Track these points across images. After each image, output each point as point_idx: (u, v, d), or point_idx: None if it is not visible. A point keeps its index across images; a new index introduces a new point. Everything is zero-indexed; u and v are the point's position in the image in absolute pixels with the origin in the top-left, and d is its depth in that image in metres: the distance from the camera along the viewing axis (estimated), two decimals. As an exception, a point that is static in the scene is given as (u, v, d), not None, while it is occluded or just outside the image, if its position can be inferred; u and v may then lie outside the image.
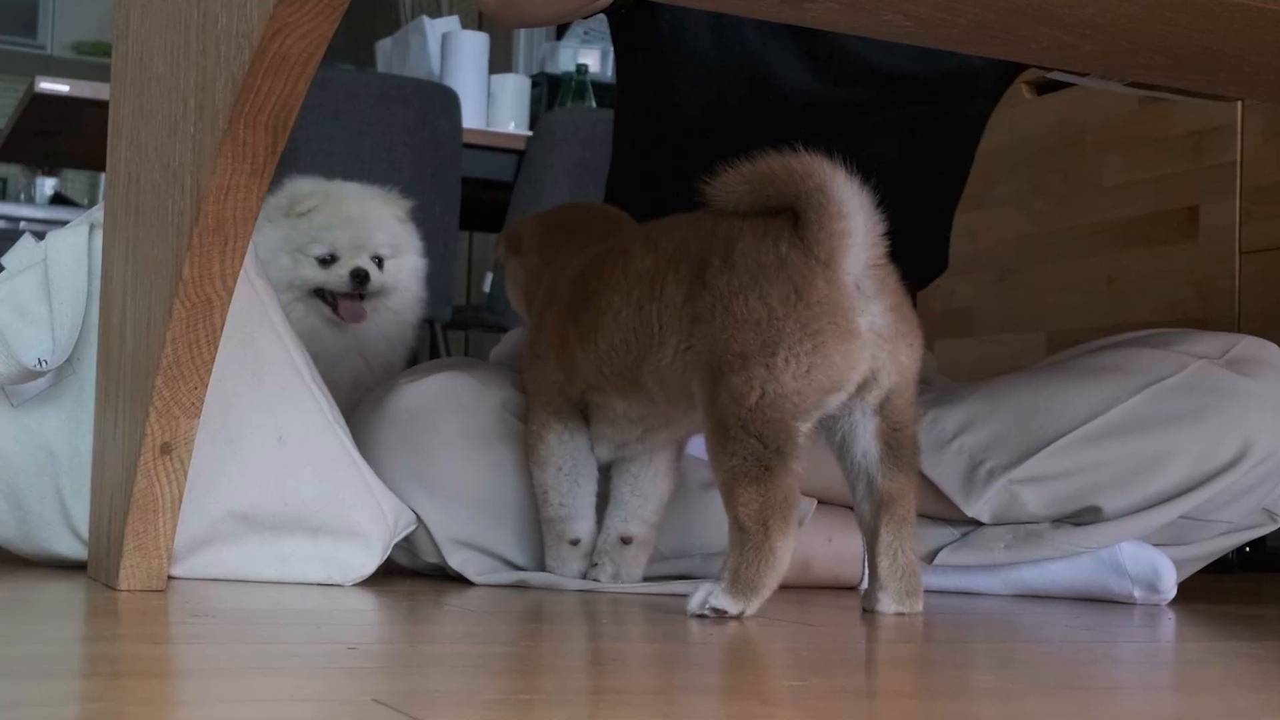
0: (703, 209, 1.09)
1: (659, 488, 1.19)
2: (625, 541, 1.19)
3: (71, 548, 1.12)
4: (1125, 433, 1.30)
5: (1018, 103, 2.27)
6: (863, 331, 1.00)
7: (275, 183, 1.57)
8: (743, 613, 0.99)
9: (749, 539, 0.98)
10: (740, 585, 0.98)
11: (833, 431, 1.07)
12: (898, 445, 1.06)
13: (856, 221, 1.00)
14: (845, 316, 0.99)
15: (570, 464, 1.18)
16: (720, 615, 0.99)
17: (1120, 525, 1.31)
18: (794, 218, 1.00)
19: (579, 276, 1.15)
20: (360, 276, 1.59)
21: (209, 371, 0.93)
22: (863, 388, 1.03)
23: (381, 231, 1.64)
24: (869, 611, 1.09)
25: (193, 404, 0.94)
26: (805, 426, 0.99)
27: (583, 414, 1.18)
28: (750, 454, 0.97)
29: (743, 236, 1.02)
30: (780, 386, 0.97)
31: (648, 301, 1.06)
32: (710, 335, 1.00)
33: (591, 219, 1.28)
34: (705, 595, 1.00)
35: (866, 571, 1.35)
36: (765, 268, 0.99)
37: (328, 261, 1.59)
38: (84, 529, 1.11)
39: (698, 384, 1.02)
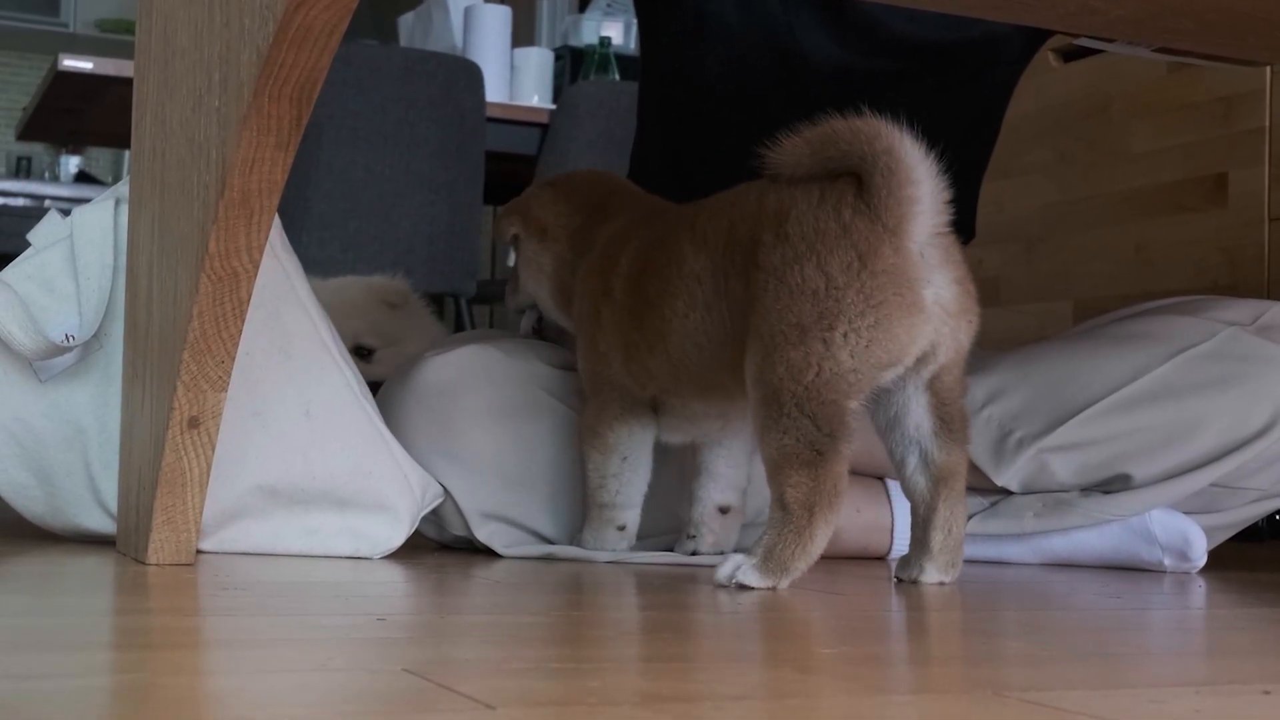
0: (742, 184, 1.07)
1: (748, 455, 1.19)
2: (724, 511, 1.19)
3: (100, 522, 1.13)
4: (1156, 400, 1.30)
5: (1044, 71, 2.25)
6: (927, 304, 0.97)
7: (298, 157, 1.54)
8: (770, 589, 0.98)
9: (791, 521, 0.96)
10: (772, 564, 0.98)
11: (884, 405, 1.05)
12: (949, 419, 1.05)
13: (925, 188, 0.97)
14: (911, 288, 0.96)
15: (635, 456, 1.17)
16: (744, 589, 0.98)
17: (1150, 493, 1.30)
18: (857, 183, 0.97)
19: (635, 276, 1.12)
20: None
21: (236, 345, 0.93)
22: (919, 361, 1.00)
23: (359, 320, 1.53)
24: (908, 581, 1.09)
25: (220, 378, 0.94)
26: (857, 404, 0.97)
27: (651, 408, 1.17)
28: (803, 435, 0.95)
29: (796, 205, 0.99)
30: (837, 365, 0.94)
31: (715, 303, 1.04)
32: (764, 309, 0.97)
33: (613, 198, 1.26)
34: (734, 569, 0.99)
35: (897, 541, 1.35)
36: (824, 235, 0.96)
37: None
38: (112, 504, 1.12)
39: (750, 357, 0.99)
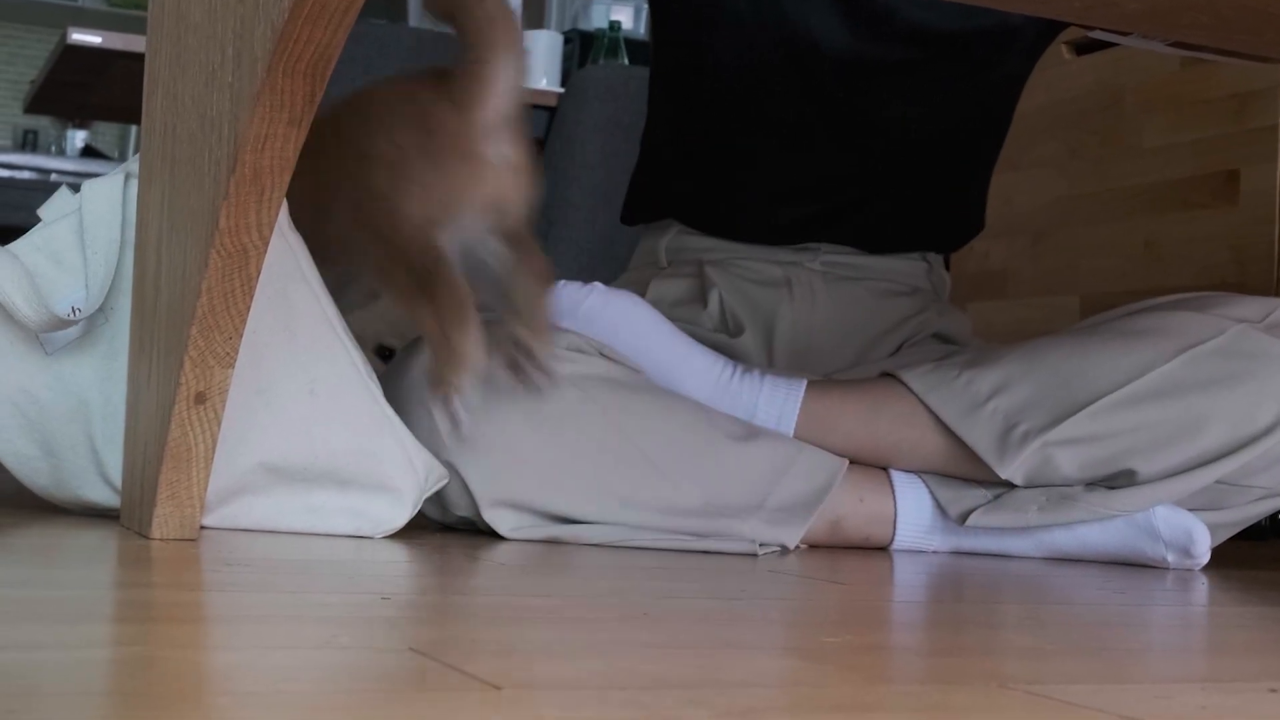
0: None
1: None
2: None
3: (104, 496, 1.13)
4: (1162, 396, 1.29)
5: (1056, 63, 2.25)
6: (489, 163, 1.10)
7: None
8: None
9: (434, 340, 1.09)
10: (446, 368, 1.09)
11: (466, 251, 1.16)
12: (521, 259, 1.16)
13: (499, 68, 1.10)
14: (475, 150, 1.09)
15: None
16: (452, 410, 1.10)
17: (1155, 489, 1.30)
18: (444, 73, 1.12)
19: None
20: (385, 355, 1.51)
21: (244, 322, 0.93)
22: (485, 211, 1.12)
23: (380, 321, 1.54)
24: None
25: (227, 354, 0.94)
26: (448, 242, 1.09)
27: None
28: (412, 274, 1.08)
29: (380, 91, 1.15)
30: (416, 216, 1.08)
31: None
32: (354, 179, 1.10)
33: None
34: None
35: (900, 532, 1.35)
36: (398, 113, 1.11)
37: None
38: (116, 477, 1.12)
39: (354, 219, 1.11)
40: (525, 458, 1.21)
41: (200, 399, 0.95)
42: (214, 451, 0.98)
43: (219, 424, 0.97)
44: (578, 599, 0.82)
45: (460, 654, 0.58)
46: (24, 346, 1.11)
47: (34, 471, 1.13)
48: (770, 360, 1.50)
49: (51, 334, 1.11)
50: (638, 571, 1.01)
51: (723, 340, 1.49)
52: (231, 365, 0.95)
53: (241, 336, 0.94)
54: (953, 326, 1.55)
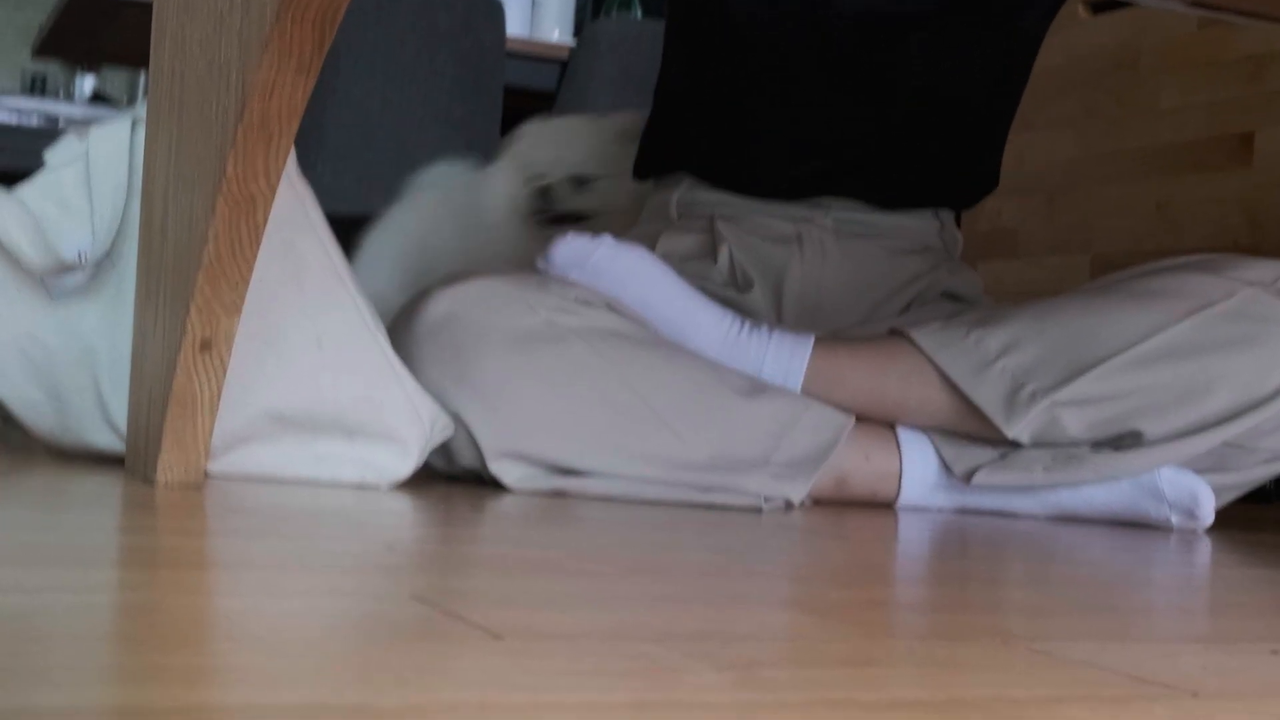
0: None
1: None
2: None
3: (109, 441, 1.13)
4: (1172, 358, 1.29)
5: (1073, 23, 2.23)
6: None
7: (315, 86, 1.54)
8: None
9: None
10: None
11: None
12: None
13: None
14: None
15: None
16: None
17: (1161, 450, 1.30)
18: None
19: None
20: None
21: (251, 270, 0.92)
22: None
23: (576, 150, 1.50)
24: None
25: (234, 301, 0.94)
26: None
27: None
28: None
29: None
30: None
31: None
32: None
33: None
34: None
35: (905, 488, 1.35)
36: None
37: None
38: (122, 423, 1.12)
39: None
40: (532, 410, 1.21)
41: (206, 346, 0.95)
42: (219, 398, 0.98)
43: (225, 371, 0.97)
44: (581, 551, 0.82)
45: (462, 603, 0.58)
46: (30, 292, 1.11)
47: (40, 416, 1.13)
48: (779, 317, 1.50)
49: (58, 280, 1.11)
50: (642, 525, 1.01)
51: (732, 296, 1.48)
52: (238, 313, 0.94)
53: (248, 284, 0.93)
54: (963, 285, 1.55)
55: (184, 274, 0.95)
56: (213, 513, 0.87)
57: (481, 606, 0.58)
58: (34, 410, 1.12)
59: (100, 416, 1.12)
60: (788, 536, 0.97)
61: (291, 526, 0.83)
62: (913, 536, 1.06)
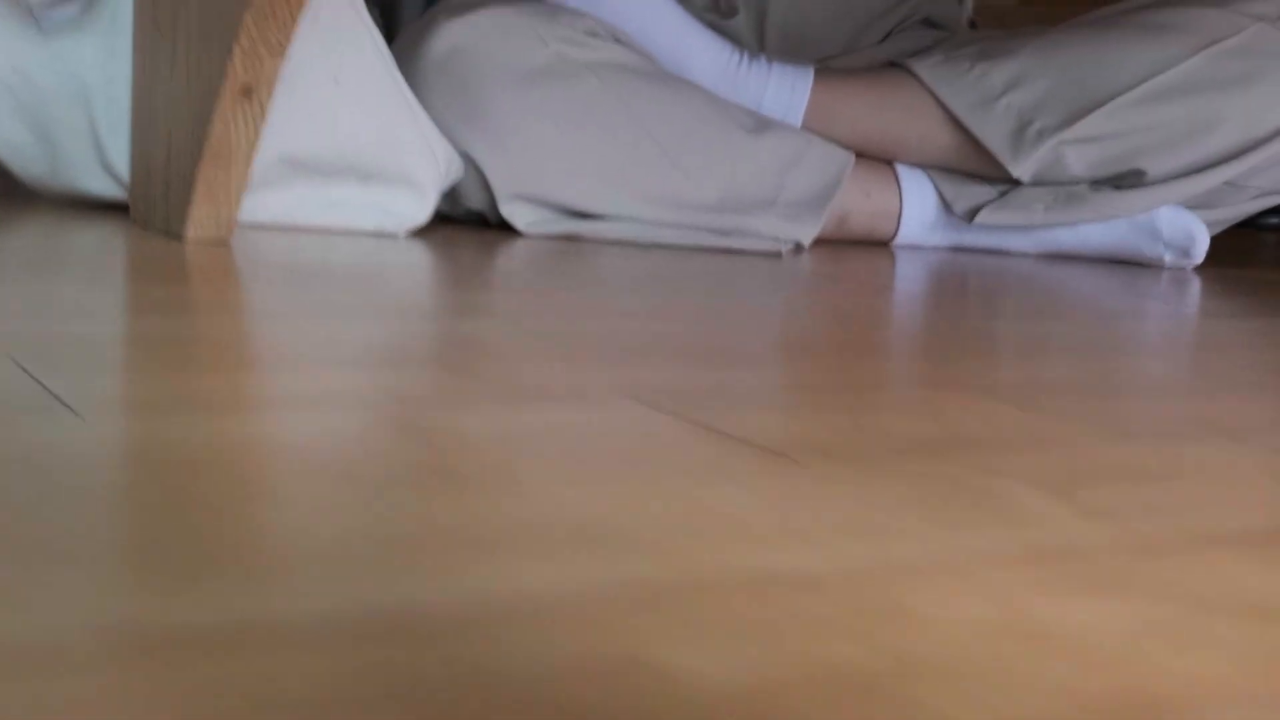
0: None
1: None
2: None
3: (105, 186, 1.05)
4: (1179, 94, 1.28)
5: None
6: None
7: None
8: None
9: None
10: None
11: None
12: None
13: None
14: None
15: None
16: None
17: (1162, 190, 1.30)
18: None
19: None
20: None
21: (301, 6, 0.84)
22: None
23: None
24: None
25: (280, 43, 0.86)
26: None
27: None
28: None
29: None
30: None
31: None
32: None
33: None
34: None
35: (903, 227, 1.34)
36: None
37: None
38: (120, 167, 1.03)
39: None
40: (545, 149, 1.16)
41: (247, 91, 0.87)
42: (256, 146, 0.91)
43: (264, 117, 0.89)
44: (593, 307, 0.79)
45: (479, 353, 0.55)
46: (17, 23, 1.00)
47: (28, 160, 1.04)
48: (762, 44, 1.44)
49: (49, 10, 1.00)
50: (657, 272, 0.98)
51: (714, 20, 1.42)
52: (283, 55, 0.86)
53: (297, 24, 0.85)
54: (943, 10, 1.51)
55: (220, 12, 0.86)
56: (242, 266, 0.81)
57: (492, 361, 0.55)
58: (21, 154, 1.03)
59: (96, 160, 1.03)
60: (788, 268, 0.94)
61: (324, 280, 0.78)
62: (905, 274, 1.05)
